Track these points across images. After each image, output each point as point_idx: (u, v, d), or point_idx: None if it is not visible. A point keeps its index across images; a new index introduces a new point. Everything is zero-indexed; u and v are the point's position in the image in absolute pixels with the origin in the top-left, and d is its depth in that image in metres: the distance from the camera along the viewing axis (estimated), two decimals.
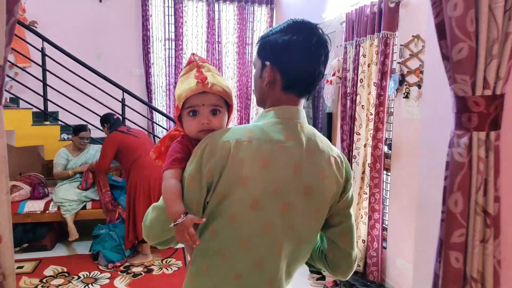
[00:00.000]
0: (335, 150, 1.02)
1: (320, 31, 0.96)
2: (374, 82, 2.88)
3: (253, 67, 1.06)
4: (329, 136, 3.72)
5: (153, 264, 3.38)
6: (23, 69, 4.03)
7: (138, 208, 3.23)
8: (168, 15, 5.01)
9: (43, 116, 4.16)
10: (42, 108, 4.11)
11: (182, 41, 5.05)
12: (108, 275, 3.18)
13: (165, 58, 5.07)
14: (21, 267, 3.28)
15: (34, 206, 3.56)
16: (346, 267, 1.06)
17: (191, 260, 1.00)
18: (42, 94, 4.08)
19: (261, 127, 0.94)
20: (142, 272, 3.23)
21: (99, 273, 3.22)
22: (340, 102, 3.28)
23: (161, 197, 0.95)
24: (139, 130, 3.75)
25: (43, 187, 3.80)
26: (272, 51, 0.95)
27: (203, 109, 0.98)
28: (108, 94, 4.31)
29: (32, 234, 3.60)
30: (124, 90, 4.28)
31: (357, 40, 3.07)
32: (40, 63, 4.02)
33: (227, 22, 5.26)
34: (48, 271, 3.22)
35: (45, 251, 3.59)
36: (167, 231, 0.93)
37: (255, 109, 5.30)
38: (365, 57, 2.97)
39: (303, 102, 1.01)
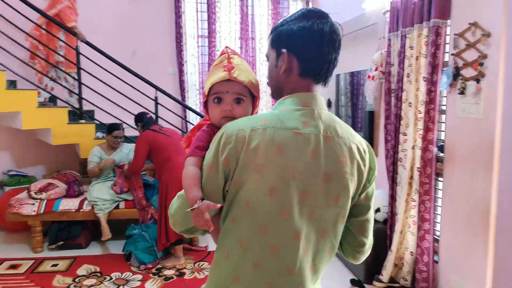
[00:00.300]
0: (357, 137, 0.99)
1: (331, 19, 0.96)
2: (423, 77, 2.54)
3: (266, 60, 1.05)
4: (370, 136, 3.40)
5: (185, 268, 3.21)
6: (68, 74, 4.03)
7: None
8: (201, 12, 4.83)
9: (78, 115, 4.09)
10: (78, 107, 4.04)
11: (214, 38, 4.85)
12: (140, 277, 3.04)
13: (198, 56, 4.90)
14: (55, 265, 3.21)
15: (69, 204, 3.48)
16: (358, 254, 1.07)
17: (216, 247, 1.01)
18: (77, 92, 4.01)
19: (277, 114, 0.93)
20: (173, 276, 3.07)
21: (131, 274, 3.08)
22: (384, 99, 2.96)
23: None
24: (172, 129, 3.59)
25: (78, 185, 3.73)
26: (288, 38, 0.95)
27: (227, 97, 0.99)
28: (142, 93, 4.19)
29: (67, 232, 3.52)
30: (157, 89, 4.14)
31: (403, 30, 2.74)
32: (75, 62, 3.95)
33: (261, 17, 5.01)
34: (81, 270, 3.12)
35: (80, 250, 3.51)
36: (189, 218, 0.92)
37: None
38: (412, 49, 2.64)
39: (320, 88, 0.99)
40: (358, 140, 0.98)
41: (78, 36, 3.86)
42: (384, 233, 2.92)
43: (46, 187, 3.50)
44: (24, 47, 3.75)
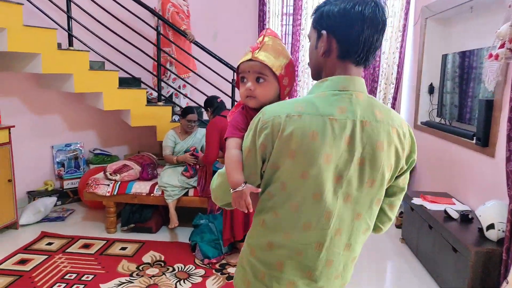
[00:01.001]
0: (398, 121, 0.97)
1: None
2: None
3: (308, 40, 1.04)
4: (486, 132, 2.67)
5: None
6: (183, 79, 4.09)
7: None
8: None
9: (157, 96, 4.01)
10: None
11: (300, 16, 4.39)
12: (203, 272, 2.83)
13: (282, 35, 4.49)
14: (124, 249, 3.16)
15: (141, 188, 3.41)
16: (383, 227, 1.11)
17: (254, 215, 1.06)
18: (156, 74, 3.92)
19: (312, 100, 0.93)
20: None
21: (194, 268, 2.89)
22: (511, 85, 2.24)
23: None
24: None
25: (153, 168, 3.65)
26: (328, 20, 0.93)
27: (249, 76, 1.04)
28: (219, 75, 3.96)
29: (139, 215, 3.48)
30: (234, 70, 3.86)
31: None
32: (155, 43, 3.84)
33: None
34: (147, 257, 3.02)
35: (150, 234, 3.44)
36: (229, 195, 0.99)
37: (382, 94, 4.36)
38: None
39: (361, 72, 0.98)
40: (398, 124, 0.97)
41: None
42: (498, 256, 2.25)
43: (120, 169, 3.48)
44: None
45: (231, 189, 0.96)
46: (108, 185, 3.41)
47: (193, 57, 4.05)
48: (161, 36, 3.85)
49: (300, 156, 0.90)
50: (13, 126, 3.37)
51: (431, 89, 3.78)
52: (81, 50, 3.52)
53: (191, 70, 4.07)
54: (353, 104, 0.92)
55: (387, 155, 0.94)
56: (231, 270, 2.86)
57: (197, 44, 3.91)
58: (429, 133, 3.68)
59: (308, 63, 1.05)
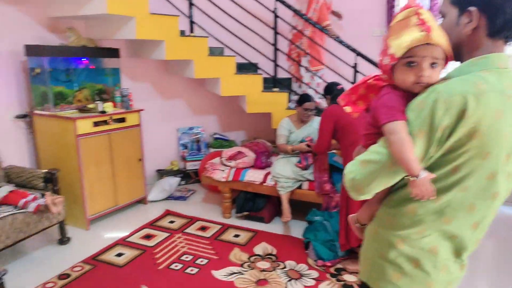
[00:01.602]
0: None
1: None
2: None
3: (440, 16, 0.97)
4: None
5: None
6: (314, 73, 3.84)
7: (352, 206, 2.35)
8: None
9: (273, 82, 3.75)
10: (272, 74, 3.70)
11: None
12: (316, 274, 2.52)
13: None
14: (237, 236, 3.04)
15: (254, 176, 3.23)
16: None
17: (380, 209, 1.03)
18: (273, 59, 3.65)
19: (484, 77, 0.85)
20: (354, 285, 2.40)
21: (306, 267, 2.60)
22: None
23: (369, 150, 0.94)
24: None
25: (267, 156, 3.45)
26: None
27: (423, 61, 0.89)
28: (339, 59, 3.50)
29: (252, 203, 3.33)
30: (357, 53, 3.36)
31: None
32: (272, 26, 3.56)
33: None
34: (258, 249, 2.83)
35: (262, 223, 3.27)
36: (382, 184, 0.92)
37: None
38: None
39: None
40: None
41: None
42: None
43: (235, 155, 3.35)
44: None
45: (413, 177, 0.86)
46: (223, 170, 3.32)
47: (326, 49, 3.68)
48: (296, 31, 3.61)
49: (486, 135, 0.84)
50: (143, 110, 3.50)
51: None
52: (201, 36, 3.44)
53: (322, 63, 3.71)
54: None
55: None
56: (347, 277, 2.48)
57: (337, 40, 3.49)
58: None
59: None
